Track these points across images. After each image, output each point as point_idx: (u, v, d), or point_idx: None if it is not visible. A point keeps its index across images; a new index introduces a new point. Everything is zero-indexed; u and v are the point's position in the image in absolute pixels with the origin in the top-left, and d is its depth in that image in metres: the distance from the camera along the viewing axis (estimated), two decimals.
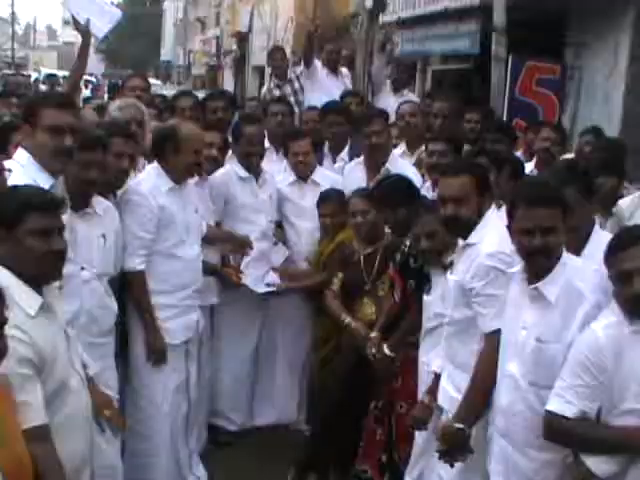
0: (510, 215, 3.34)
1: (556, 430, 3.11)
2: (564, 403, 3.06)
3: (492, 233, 3.56)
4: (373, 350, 4.60)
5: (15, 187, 3.21)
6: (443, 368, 3.92)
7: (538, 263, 3.27)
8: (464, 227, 3.69)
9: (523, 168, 5.00)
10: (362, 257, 5.07)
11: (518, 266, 3.40)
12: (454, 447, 3.60)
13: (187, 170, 4.79)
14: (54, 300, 3.08)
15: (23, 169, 3.66)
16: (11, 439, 2.23)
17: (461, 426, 3.55)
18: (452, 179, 3.71)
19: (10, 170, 3.62)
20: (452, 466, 3.64)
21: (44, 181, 3.62)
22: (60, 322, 3.13)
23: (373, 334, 4.67)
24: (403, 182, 4.75)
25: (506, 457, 3.41)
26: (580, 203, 3.56)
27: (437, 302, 4.11)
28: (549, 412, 3.11)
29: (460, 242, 3.78)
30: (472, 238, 3.66)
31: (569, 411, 3.04)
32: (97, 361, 4.07)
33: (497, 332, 3.49)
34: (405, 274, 4.48)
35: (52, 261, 2.98)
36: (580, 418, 3.02)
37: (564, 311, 3.20)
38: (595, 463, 2.97)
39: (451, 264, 3.89)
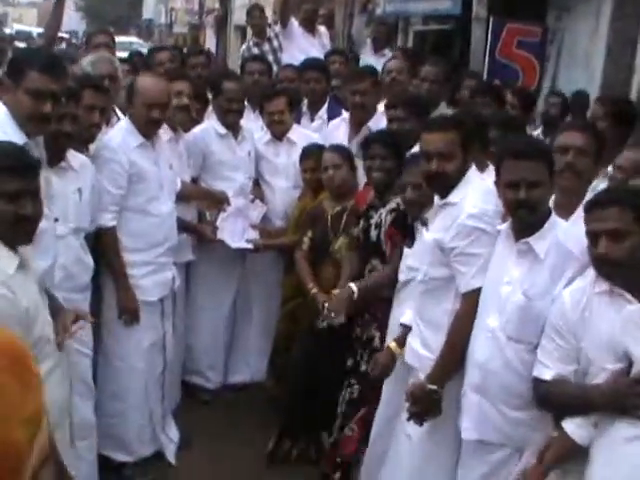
0: (497, 170, 3.33)
1: (538, 394, 3.14)
2: (542, 367, 3.09)
3: (474, 192, 3.53)
4: (324, 324, 4.61)
5: None
6: (413, 324, 3.88)
7: (523, 217, 3.25)
8: (447, 184, 3.65)
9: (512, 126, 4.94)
10: (330, 216, 5.06)
11: (505, 223, 3.38)
12: (425, 408, 3.60)
13: (145, 124, 4.67)
14: (29, 258, 3.05)
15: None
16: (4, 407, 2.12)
17: (434, 387, 3.55)
18: (438, 134, 3.66)
19: None
20: (421, 424, 3.65)
21: (17, 139, 3.53)
22: (36, 279, 3.11)
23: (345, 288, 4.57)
24: (391, 137, 4.71)
25: (479, 412, 3.41)
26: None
27: (412, 256, 4.09)
28: (534, 378, 3.14)
29: (436, 200, 3.75)
30: (452, 197, 3.62)
31: (547, 374, 3.07)
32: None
33: (477, 291, 3.48)
34: (403, 232, 4.36)
35: (22, 225, 2.94)
36: (558, 381, 3.04)
37: (553, 268, 3.21)
38: (572, 428, 2.97)
39: (425, 220, 3.86)
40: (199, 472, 4.99)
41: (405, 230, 4.30)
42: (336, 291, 4.56)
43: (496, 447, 3.40)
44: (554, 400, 3.10)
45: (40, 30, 16.12)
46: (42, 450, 2.22)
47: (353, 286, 4.43)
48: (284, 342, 5.50)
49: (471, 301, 3.50)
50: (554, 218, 3.30)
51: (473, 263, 3.50)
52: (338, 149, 5.12)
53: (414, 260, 4.01)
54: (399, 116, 4.92)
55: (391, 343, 3.99)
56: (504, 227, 3.39)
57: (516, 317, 3.26)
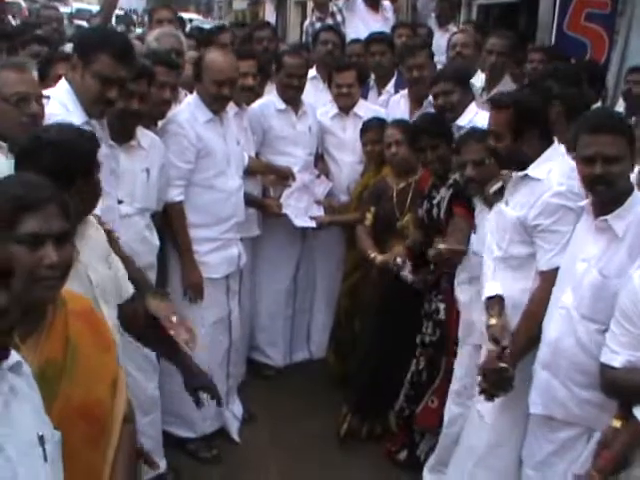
0: (575, 145, 3.24)
1: (606, 381, 3.06)
2: (610, 353, 3.02)
3: (559, 168, 3.45)
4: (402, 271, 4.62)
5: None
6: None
7: (600, 193, 3.17)
8: (522, 160, 3.59)
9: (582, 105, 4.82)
10: (395, 192, 5.01)
11: (587, 200, 3.31)
12: (495, 385, 3.54)
13: (214, 101, 4.64)
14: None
15: (60, 102, 3.54)
16: (89, 378, 2.18)
17: (505, 365, 3.47)
18: (494, 112, 3.61)
19: (48, 97, 3.53)
20: (492, 400, 3.58)
21: (78, 117, 3.50)
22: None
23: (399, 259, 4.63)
24: (434, 123, 4.66)
25: (547, 389, 3.37)
26: None
27: (481, 231, 4.03)
28: (601, 364, 3.06)
29: (513, 174, 3.68)
30: (534, 172, 3.55)
31: (616, 361, 2.99)
32: None
33: (557, 270, 3.42)
34: (465, 204, 4.30)
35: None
36: (628, 369, 2.96)
37: (631, 247, 3.12)
38: None
39: (497, 194, 3.81)
40: (262, 448, 5.02)
41: (467, 203, 4.26)
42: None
43: (563, 425, 3.35)
44: (622, 388, 3.01)
45: (83, 6, 16.18)
46: (123, 408, 2.31)
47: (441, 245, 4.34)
48: (345, 318, 5.50)
49: (549, 279, 3.44)
50: (637, 196, 3.20)
51: (556, 241, 3.44)
52: (400, 124, 5.06)
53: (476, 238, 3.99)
54: (444, 90, 4.84)
55: (491, 319, 3.68)
56: (586, 203, 3.31)
57: (590, 295, 3.18)
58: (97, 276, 2.81)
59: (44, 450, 1.83)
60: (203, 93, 4.63)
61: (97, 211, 3.15)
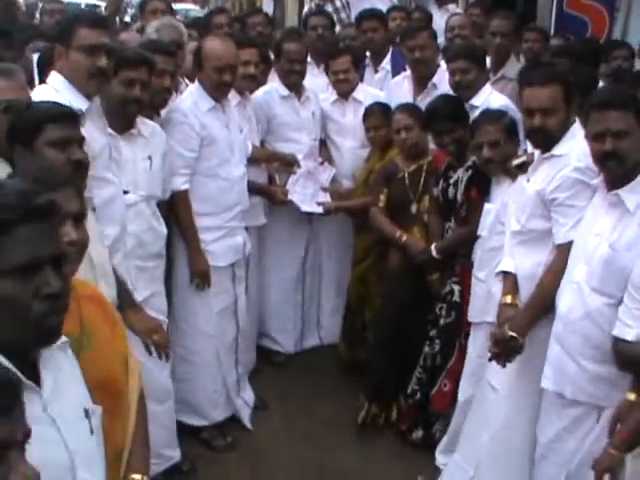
0: (586, 122, 3.26)
1: (620, 354, 3.07)
2: (623, 327, 3.03)
3: (580, 145, 3.44)
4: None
5: (31, 103, 3.13)
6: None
7: (611, 168, 3.18)
8: (550, 139, 3.59)
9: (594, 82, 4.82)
10: (407, 174, 5.00)
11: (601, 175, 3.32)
12: (504, 352, 3.60)
13: (215, 88, 4.64)
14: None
15: (57, 93, 3.51)
16: (103, 356, 2.22)
17: (514, 334, 3.53)
18: (540, 89, 3.56)
19: None
20: (504, 366, 3.63)
21: (79, 103, 3.50)
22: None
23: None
24: (449, 105, 4.67)
25: (558, 363, 3.39)
26: None
27: (496, 210, 4.07)
28: (614, 338, 3.07)
29: (537, 153, 3.70)
30: (558, 149, 3.56)
31: (628, 334, 3.00)
32: (147, 285, 4.12)
33: (571, 244, 3.45)
34: (482, 189, 4.34)
35: (72, 172, 2.89)
36: None
37: None
38: None
39: (520, 168, 3.83)
40: (275, 434, 5.04)
41: (484, 187, 4.27)
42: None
43: (573, 402, 3.37)
44: (636, 361, 3.02)
45: (91, 1, 16.00)
46: (137, 386, 2.36)
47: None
48: (356, 304, 5.49)
49: (564, 253, 3.47)
50: None
51: (572, 215, 3.46)
52: (408, 109, 5.05)
53: (498, 214, 3.99)
54: (461, 67, 4.85)
55: (506, 297, 3.77)
56: (599, 179, 3.33)
57: (601, 269, 3.20)
58: (97, 256, 2.86)
59: (90, 423, 1.90)
60: (204, 81, 4.63)
61: (98, 198, 3.18)
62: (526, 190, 3.68)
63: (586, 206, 3.41)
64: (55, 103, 3.07)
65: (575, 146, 3.47)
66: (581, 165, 3.41)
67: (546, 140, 3.60)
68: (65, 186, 2.18)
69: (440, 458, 4.53)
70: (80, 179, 2.84)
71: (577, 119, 3.55)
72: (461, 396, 4.33)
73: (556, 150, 3.56)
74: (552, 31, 7.70)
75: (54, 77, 3.62)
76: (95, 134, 3.60)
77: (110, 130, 3.91)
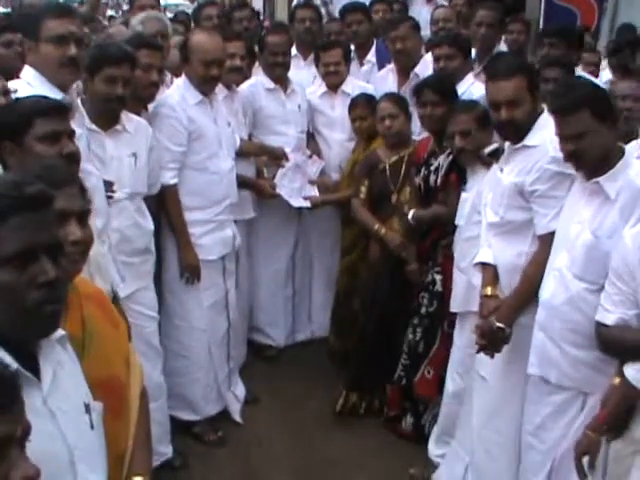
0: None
1: (601, 338, 3.09)
2: (604, 312, 3.05)
3: (553, 135, 3.41)
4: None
5: (18, 99, 3.11)
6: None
7: (576, 167, 3.25)
8: (519, 131, 3.60)
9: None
10: (388, 165, 5.02)
11: None
12: (491, 343, 3.63)
13: (203, 82, 4.64)
14: None
15: (30, 87, 3.49)
16: (105, 355, 2.21)
17: (501, 325, 3.58)
18: (504, 81, 3.58)
19: (15, 91, 3.45)
20: (492, 357, 3.66)
21: (53, 95, 3.40)
22: None
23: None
24: (442, 82, 4.67)
25: (542, 349, 3.42)
26: None
27: (472, 199, 4.08)
28: (596, 322, 3.09)
29: (508, 144, 3.71)
30: (530, 140, 3.58)
31: (608, 319, 3.02)
32: (133, 281, 4.12)
33: (553, 233, 3.47)
34: (460, 175, 4.36)
35: (66, 165, 2.90)
36: (620, 326, 2.99)
37: (622, 208, 3.15)
38: (632, 373, 2.91)
39: (493, 155, 3.86)
40: (266, 428, 5.04)
41: (463, 173, 4.30)
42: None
43: (557, 388, 3.40)
44: (616, 345, 3.05)
45: None
46: (138, 384, 2.36)
47: (410, 212, 4.59)
48: (344, 296, 5.50)
49: (546, 243, 3.50)
50: (628, 159, 3.23)
51: (553, 205, 3.49)
52: (393, 98, 5.07)
53: (473, 204, 4.02)
54: (446, 54, 4.87)
55: (487, 289, 3.80)
56: None
57: (583, 255, 3.23)
58: (92, 251, 2.84)
59: (90, 418, 1.90)
60: (192, 75, 4.63)
61: None
62: (502, 181, 3.69)
63: (566, 195, 3.43)
64: (43, 97, 3.04)
65: (549, 136, 3.46)
66: (558, 155, 3.40)
67: (515, 132, 3.62)
68: (68, 184, 2.16)
69: (433, 449, 4.55)
70: (74, 171, 2.82)
71: (545, 108, 3.56)
72: (449, 386, 4.34)
73: (528, 140, 3.58)
74: (541, 22, 7.72)
75: (26, 71, 3.62)
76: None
77: (94, 127, 3.92)
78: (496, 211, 3.73)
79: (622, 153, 3.24)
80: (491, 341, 3.62)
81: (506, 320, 3.59)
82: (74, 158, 2.88)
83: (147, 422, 2.43)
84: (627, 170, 3.18)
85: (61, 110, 2.92)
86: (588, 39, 6.64)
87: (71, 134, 2.94)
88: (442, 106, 4.46)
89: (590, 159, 3.19)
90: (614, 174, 3.18)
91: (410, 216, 4.61)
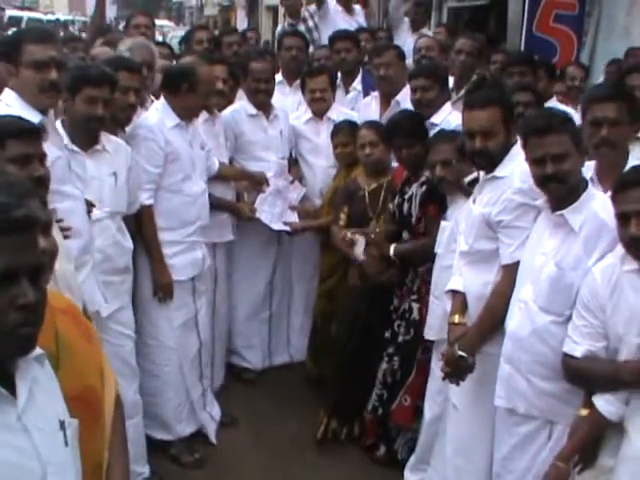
0: (524, 147, 3.33)
1: (568, 370, 3.15)
2: (572, 343, 3.11)
3: (522, 166, 3.48)
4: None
5: None
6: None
7: (554, 190, 3.25)
8: (492, 160, 3.65)
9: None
10: (367, 193, 5.08)
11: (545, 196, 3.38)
12: (455, 372, 3.66)
13: (197, 110, 4.78)
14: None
15: (9, 108, 3.50)
16: (80, 368, 2.22)
17: (463, 354, 3.60)
18: (479, 111, 3.64)
19: None
20: (458, 384, 3.69)
21: (32, 118, 3.43)
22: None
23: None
24: (410, 121, 4.72)
25: (509, 382, 3.44)
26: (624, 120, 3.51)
27: (450, 228, 4.13)
28: (564, 354, 3.14)
29: (482, 174, 3.77)
30: (500, 171, 3.63)
31: (577, 351, 3.08)
32: (113, 300, 4.15)
33: (517, 264, 3.50)
34: (438, 204, 4.41)
35: (34, 188, 2.92)
36: (588, 358, 3.05)
37: (586, 240, 3.19)
38: (601, 403, 2.99)
39: (472, 185, 3.91)
40: (243, 451, 5.04)
41: (440, 202, 4.35)
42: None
43: (524, 419, 3.42)
44: (584, 376, 3.10)
45: (69, 17, 16.03)
46: (113, 395, 2.38)
47: (391, 247, 4.61)
48: (322, 322, 5.54)
49: (510, 273, 3.53)
50: (591, 190, 3.29)
51: (517, 236, 3.52)
52: (374, 126, 5.11)
53: (455, 233, 4.03)
54: (422, 85, 4.89)
55: (454, 317, 3.82)
56: (543, 199, 3.38)
57: (547, 287, 3.26)
58: (60, 269, 2.87)
59: (65, 435, 1.91)
60: (185, 102, 4.69)
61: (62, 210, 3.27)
62: (472, 211, 3.74)
63: (531, 226, 3.47)
64: (17, 118, 3.05)
65: (517, 167, 3.53)
66: (524, 187, 3.46)
67: (488, 162, 3.66)
68: (31, 197, 2.16)
69: (409, 476, 4.56)
70: (42, 194, 2.83)
71: (519, 139, 3.61)
72: (427, 414, 4.36)
73: (498, 172, 3.63)
74: None
75: (6, 93, 3.64)
76: (47, 147, 3.61)
77: (74, 147, 3.97)
78: (467, 240, 3.78)
79: (586, 184, 3.29)
80: (454, 369, 3.65)
81: (468, 348, 3.61)
82: (43, 182, 2.90)
83: (123, 431, 2.44)
84: (591, 202, 3.23)
85: (33, 133, 2.94)
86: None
87: (42, 157, 2.96)
88: (415, 145, 4.55)
89: (570, 182, 3.22)
90: (578, 206, 3.22)
91: (391, 252, 4.62)
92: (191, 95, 4.68)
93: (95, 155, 4.08)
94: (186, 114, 4.71)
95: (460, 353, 3.60)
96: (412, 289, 4.58)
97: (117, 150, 4.23)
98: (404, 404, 4.63)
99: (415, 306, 4.54)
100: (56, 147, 3.63)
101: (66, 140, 3.93)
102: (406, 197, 4.59)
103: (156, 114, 4.70)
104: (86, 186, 3.96)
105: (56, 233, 3.03)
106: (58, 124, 3.95)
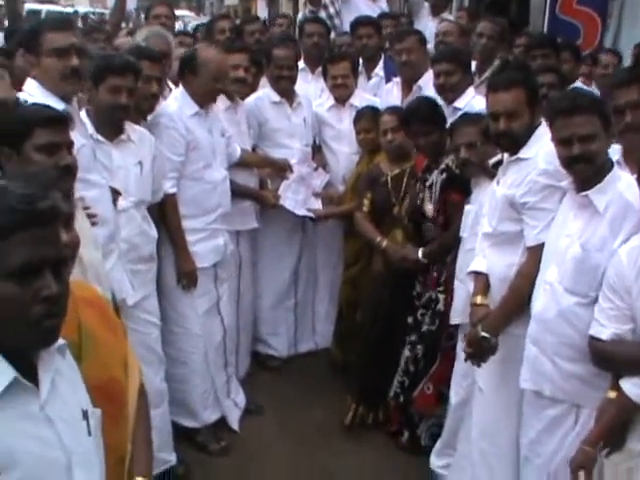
0: (550, 127, 3.30)
1: (595, 353, 3.12)
2: (599, 326, 3.08)
3: (547, 148, 3.45)
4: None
5: (20, 106, 3.14)
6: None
7: (580, 171, 3.22)
8: (516, 142, 3.62)
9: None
10: (390, 178, 5.06)
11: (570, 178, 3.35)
12: (478, 353, 3.65)
13: (207, 95, 4.73)
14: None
15: (33, 98, 3.51)
16: (104, 359, 2.23)
17: (486, 335, 3.58)
18: (503, 93, 3.61)
19: (26, 102, 3.46)
20: (479, 366, 3.69)
21: (56, 106, 3.40)
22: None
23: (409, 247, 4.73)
24: (426, 108, 4.71)
25: (535, 364, 3.42)
26: None
27: (475, 211, 4.12)
28: (590, 337, 3.11)
29: (506, 156, 3.74)
30: (525, 152, 3.60)
31: (603, 334, 3.05)
32: (140, 288, 4.17)
33: (542, 246, 3.48)
34: (460, 191, 4.39)
35: (61, 176, 2.86)
36: (615, 341, 3.02)
37: (611, 221, 3.16)
38: (629, 387, 2.96)
39: (497, 167, 3.87)
40: (268, 438, 5.06)
41: (463, 188, 4.33)
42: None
43: (551, 402, 3.39)
44: (611, 359, 3.08)
45: (89, 9, 16.06)
46: (137, 386, 2.39)
47: (419, 251, 4.59)
48: (347, 308, 5.54)
49: (535, 255, 3.51)
50: (616, 171, 3.25)
51: (543, 218, 3.50)
52: (396, 111, 5.10)
53: (479, 216, 4.02)
54: (445, 70, 4.88)
55: (476, 298, 3.81)
56: (568, 180, 3.36)
57: (572, 269, 3.24)
58: (89, 258, 2.87)
59: (88, 425, 1.92)
60: (193, 87, 4.68)
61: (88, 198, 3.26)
62: (496, 193, 3.72)
63: (556, 208, 3.45)
64: (45, 106, 3.06)
65: (542, 148, 3.50)
66: (549, 168, 3.44)
67: (512, 143, 3.63)
68: (55, 188, 2.18)
69: (435, 461, 4.56)
70: (69, 183, 2.86)
71: (543, 120, 3.58)
72: (453, 399, 4.35)
73: (523, 153, 3.60)
74: None
75: (29, 83, 3.65)
76: (73, 135, 3.62)
77: (100, 137, 3.98)
78: (490, 222, 3.76)
79: (611, 165, 3.26)
80: (477, 350, 3.65)
81: (491, 330, 3.60)
82: (70, 170, 2.91)
83: (147, 421, 2.45)
84: (616, 183, 3.20)
85: (61, 121, 2.94)
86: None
87: (69, 146, 2.96)
88: (433, 133, 4.55)
89: (597, 163, 3.19)
90: (603, 187, 3.19)
91: (420, 255, 4.59)
92: (195, 79, 4.67)
93: (120, 145, 4.09)
94: (201, 100, 4.70)
95: (483, 334, 3.59)
96: (439, 280, 4.57)
97: (142, 139, 4.24)
98: (426, 392, 4.63)
99: (441, 297, 4.53)
100: (81, 135, 3.63)
101: (91, 130, 3.94)
102: (427, 184, 4.58)
103: (175, 102, 4.71)
104: (112, 176, 3.97)
105: (84, 220, 3.05)
106: (83, 114, 3.96)
